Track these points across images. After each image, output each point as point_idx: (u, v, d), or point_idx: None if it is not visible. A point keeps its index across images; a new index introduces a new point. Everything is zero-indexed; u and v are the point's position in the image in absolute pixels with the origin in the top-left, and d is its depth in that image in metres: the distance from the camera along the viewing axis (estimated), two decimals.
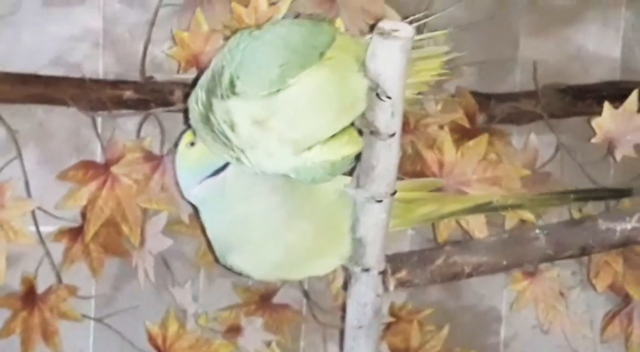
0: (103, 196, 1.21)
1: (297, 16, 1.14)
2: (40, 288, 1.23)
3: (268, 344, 1.27)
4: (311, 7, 1.20)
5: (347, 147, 0.91)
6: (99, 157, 1.24)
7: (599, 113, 1.24)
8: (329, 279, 1.25)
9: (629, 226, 1.05)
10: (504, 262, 1.05)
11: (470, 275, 1.05)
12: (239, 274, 0.99)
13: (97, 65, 1.24)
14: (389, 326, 1.30)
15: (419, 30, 1.00)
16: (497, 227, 1.22)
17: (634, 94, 1.23)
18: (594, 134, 1.24)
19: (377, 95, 0.89)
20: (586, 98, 1.31)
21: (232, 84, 0.87)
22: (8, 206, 1.17)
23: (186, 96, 1.21)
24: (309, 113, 0.87)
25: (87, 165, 1.21)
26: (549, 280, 1.28)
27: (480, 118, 1.28)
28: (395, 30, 0.88)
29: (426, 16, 1.03)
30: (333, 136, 0.90)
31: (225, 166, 0.94)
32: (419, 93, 1.02)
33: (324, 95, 0.88)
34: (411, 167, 1.22)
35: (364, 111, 0.91)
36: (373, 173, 0.94)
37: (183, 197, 1.00)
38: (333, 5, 1.20)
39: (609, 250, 1.15)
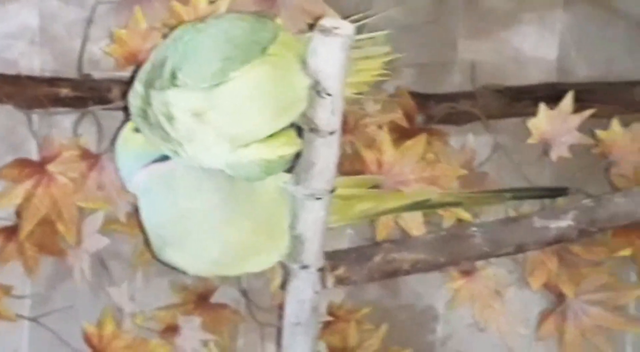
0: (38, 194, 1.19)
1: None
2: None
3: (205, 343, 1.27)
4: (251, 6, 1.20)
5: (285, 147, 0.91)
6: (34, 155, 1.22)
7: (535, 114, 1.25)
8: (267, 278, 1.25)
9: (564, 224, 1.06)
10: (442, 260, 1.05)
11: (408, 272, 1.05)
12: (174, 268, 0.98)
13: (34, 63, 1.23)
14: (327, 325, 1.30)
15: (359, 31, 1.01)
16: (434, 227, 1.24)
17: (569, 95, 1.25)
18: (530, 134, 1.25)
19: (318, 92, 0.89)
20: (523, 99, 1.32)
21: (173, 76, 0.86)
22: None
23: (124, 94, 1.21)
24: (249, 108, 0.87)
25: (23, 163, 1.20)
26: (485, 278, 1.29)
27: (419, 118, 1.29)
28: (336, 28, 0.88)
29: (366, 17, 1.03)
30: (271, 135, 0.90)
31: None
32: (359, 93, 1.03)
33: (264, 91, 0.87)
34: (350, 166, 1.22)
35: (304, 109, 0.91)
36: (313, 170, 0.94)
37: (123, 188, 0.97)
38: (273, 4, 1.21)
39: (544, 247, 1.17)
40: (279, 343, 1.05)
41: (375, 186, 1.13)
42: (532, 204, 1.26)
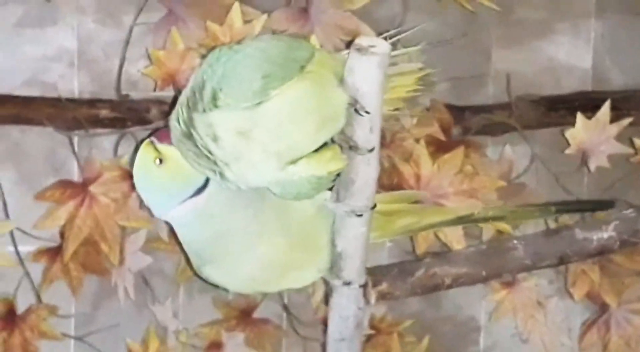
0: (81, 215, 1.21)
1: (273, 33, 1.15)
2: (20, 308, 1.23)
3: None
4: (285, 24, 1.20)
5: (332, 163, 0.92)
6: (76, 177, 1.24)
7: (572, 124, 1.25)
8: (309, 293, 1.26)
9: (605, 235, 1.06)
10: (483, 273, 1.06)
11: (450, 286, 1.05)
12: (216, 286, 0.99)
13: (73, 85, 1.24)
14: (369, 338, 1.30)
15: (394, 47, 1.01)
16: (474, 239, 1.23)
17: (607, 104, 1.24)
18: (568, 144, 1.25)
19: (356, 110, 0.90)
20: (559, 109, 1.32)
21: (214, 97, 0.87)
22: None
23: (163, 114, 1.22)
24: (291, 124, 0.88)
25: (65, 185, 1.21)
26: (527, 289, 1.29)
27: (455, 131, 1.28)
28: (373, 46, 0.89)
29: (400, 32, 1.04)
30: (317, 151, 0.91)
31: (205, 184, 0.94)
32: (396, 109, 1.03)
33: (305, 107, 0.88)
34: (388, 180, 1.23)
35: (343, 127, 0.92)
36: (353, 187, 0.95)
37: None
38: (307, 21, 1.21)
39: (586, 259, 1.16)
40: None
41: (417, 201, 1.13)
42: (571, 214, 1.25)
